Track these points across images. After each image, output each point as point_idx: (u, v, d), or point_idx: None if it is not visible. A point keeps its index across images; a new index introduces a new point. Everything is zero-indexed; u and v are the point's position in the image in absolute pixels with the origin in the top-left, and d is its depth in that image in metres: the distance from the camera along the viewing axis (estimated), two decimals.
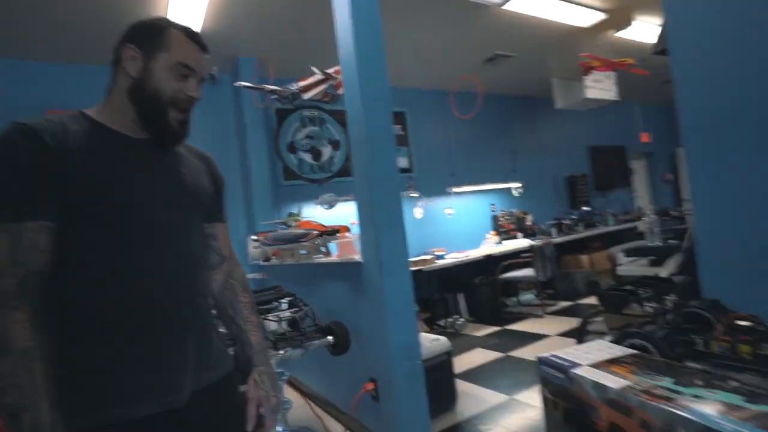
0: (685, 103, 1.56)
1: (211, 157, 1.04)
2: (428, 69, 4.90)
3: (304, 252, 3.36)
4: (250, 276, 3.56)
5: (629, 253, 3.82)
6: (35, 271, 0.73)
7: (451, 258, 4.75)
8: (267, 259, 3.70)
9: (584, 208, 6.47)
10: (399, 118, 5.17)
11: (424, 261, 4.41)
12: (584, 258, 5.60)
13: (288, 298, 2.39)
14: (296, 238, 2.85)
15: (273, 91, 3.09)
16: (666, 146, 8.15)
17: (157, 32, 0.85)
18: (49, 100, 3.35)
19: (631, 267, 3.36)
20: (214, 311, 1.01)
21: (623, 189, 7.53)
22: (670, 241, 3.40)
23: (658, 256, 2.92)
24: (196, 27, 3.23)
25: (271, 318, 2.28)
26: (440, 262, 4.51)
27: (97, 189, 0.77)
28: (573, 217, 6.21)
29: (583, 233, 5.86)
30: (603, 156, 7.30)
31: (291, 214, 3.46)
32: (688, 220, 4.23)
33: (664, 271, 2.57)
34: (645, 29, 4.42)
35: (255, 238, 3.63)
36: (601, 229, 6.06)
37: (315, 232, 2.75)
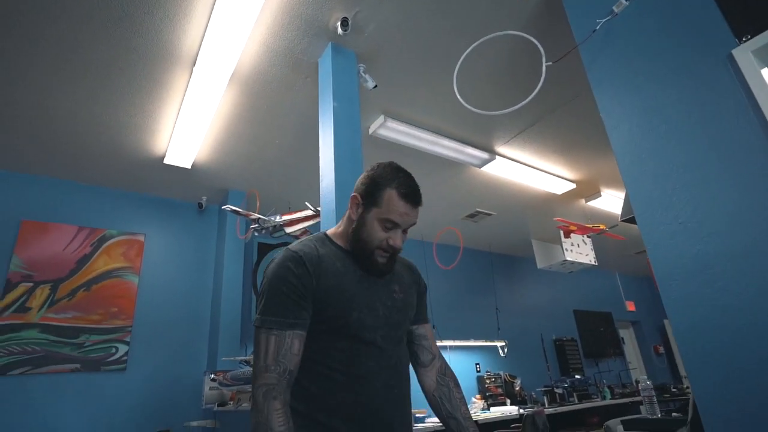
0: (661, 272, 1.62)
1: (414, 266, 1.25)
2: None
3: None
4: (196, 423, 3.16)
5: (628, 426, 3.50)
6: (290, 370, 0.95)
7: (431, 422, 4.28)
8: (222, 404, 3.33)
9: (577, 377, 6.13)
10: None
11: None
12: None
13: None
14: None
15: (257, 220, 3.21)
16: (653, 316, 8.18)
17: (376, 189, 1.05)
18: (24, 210, 3.45)
19: None
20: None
21: (615, 358, 7.28)
22: (674, 414, 3.15)
23: (662, 431, 2.66)
24: (189, 160, 3.52)
25: None
26: (419, 426, 4.04)
27: (339, 308, 1.00)
28: (565, 385, 5.83)
29: (578, 405, 5.43)
30: (589, 321, 7.25)
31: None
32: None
33: None
34: (612, 200, 4.87)
35: (213, 377, 3.32)
36: (597, 402, 5.63)
37: None
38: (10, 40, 2.34)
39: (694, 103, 1.57)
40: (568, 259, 5.16)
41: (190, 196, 4.21)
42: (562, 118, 3.41)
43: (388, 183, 1.05)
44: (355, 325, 1.01)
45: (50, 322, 3.27)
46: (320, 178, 2.46)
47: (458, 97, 2.21)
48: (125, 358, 3.46)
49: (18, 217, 3.42)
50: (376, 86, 2.68)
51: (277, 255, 1.06)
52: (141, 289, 3.73)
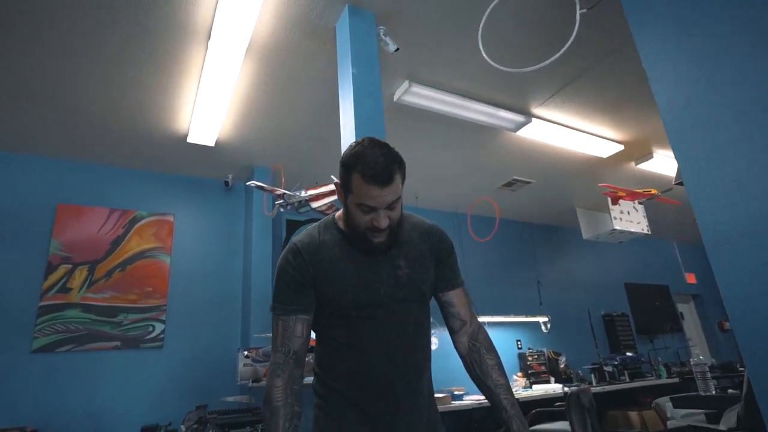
0: (711, 237, 1.57)
1: (434, 230, 1.26)
2: (443, 190, 5.18)
3: None
4: (231, 399, 3.38)
5: (678, 403, 3.44)
6: (294, 350, 1.12)
7: (471, 400, 4.37)
8: (257, 380, 3.52)
9: (628, 354, 6.03)
10: None
11: (437, 399, 4.07)
12: (634, 415, 5.02)
13: (262, 424, 2.22)
14: None
15: (282, 195, 3.31)
16: (717, 290, 7.84)
17: (346, 174, 1.09)
18: (59, 195, 3.72)
19: (683, 421, 3.00)
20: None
21: (673, 335, 7.08)
22: (729, 391, 3.08)
23: (712, 408, 2.62)
24: (212, 138, 3.66)
25: None
26: (457, 404, 4.14)
27: (336, 292, 1.13)
28: (615, 363, 5.76)
29: (629, 383, 5.35)
30: (643, 295, 7.07)
31: None
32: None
33: (722, 426, 2.28)
34: (666, 161, 4.66)
35: (246, 354, 3.51)
36: (651, 381, 5.52)
37: None
38: (28, 26, 2.48)
39: (753, 45, 1.48)
40: (617, 228, 5.02)
41: (216, 174, 4.37)
42: (604, 73, 3.27)
43: (353, 167, 1.07)
44: (350, 306, 1.13)
45: (90, 302, 3.56)
46: (341, 146, 2.50)
47: (484, 54, 2.17)
48: (162, 336, 3.72)
49: (54, 201, 3.68)
50: (398, 49, 2.66)
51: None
52: (173, 269, 3.97)
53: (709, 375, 3.35)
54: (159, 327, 3.73)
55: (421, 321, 1.20)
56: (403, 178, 1.12)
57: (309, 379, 1.25)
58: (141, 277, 3.79)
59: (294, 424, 1.09)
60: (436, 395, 4.06)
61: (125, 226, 3.87)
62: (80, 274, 3.58)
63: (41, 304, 3.40)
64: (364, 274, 1.14)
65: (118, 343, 3.56)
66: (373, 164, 1.04)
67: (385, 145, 1.10)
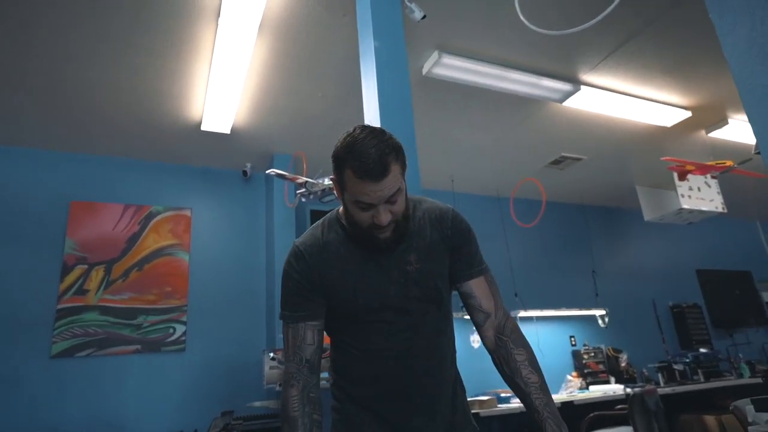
0: None
1: (445, 215, 1.24)
2: (482, 172, 5.12)
3: (325, 374, 3.26)
4: (259, 404, 3.49)
5: (761, 406, 3.32)
6: (306, 359, 1.16)
7: (518, 403, 4.34)
8: None
9: (702, 350, 5.84)
10: None
11: (482, 402, 4.08)
12: (710, 420, 4.87)
13: None
14: None
15: (304, 184, 3.35)
16: None
17: (338, 171, 1.08)
18: (72, 191, 3.89)
19: (767, 427, 2.90)
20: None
21: (757, 328, 6.80)
22: None
23: None
24: (228, 125, 3.72)
25: None
26: (503, 407, 4.14)
27: (343, 295, 1.17)
28: (687, 360, 5.59)
29: (704, 384, 5.18)
30: (719, 282, 6.81)
31: None
32: None
33: None
34: (744, 128, 4.43)
35: (273, 356, 3.60)
36: (731, 381, 5.33)
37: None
38: (28, 15, 2.58)
39: None
40: (686, 207, 4.84)
41: (234, 164, 4.46)
42: (665, 29, 3.12)
43: (344, 162, 1.06)
44: (360, 309, 1.17)
45: (108, 304, 3.73)
46: None
47: (522, 17, 2.11)
48: (183, 338, 3.87)
49: (67, 198, 3.86)
50: (424, 16, 2.62)
51: None
52: (192, 267, 4.10)
53: None
54: (180, 329, 3.88)
55: (439, 318, 1.22)
56: (404, 167, 1.10)
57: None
58: (159, 276, 3.94)
59: (315, 431, 1.14)
60: (480, 398, 4.09)
61: (141, 223, 4.02)
62: (97, 275, 3.75)
63: (59, 306, 3.59)
64: (373, 275, 1.16)
65: (139, 347, 3.72)
66: (364, 157, 1.02)
67: (380, 133, 1.07)
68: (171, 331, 3.84)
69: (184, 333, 3.88)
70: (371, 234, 1.11)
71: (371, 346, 1.18)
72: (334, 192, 3.37)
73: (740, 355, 6.01)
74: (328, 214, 1.26)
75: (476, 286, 1.23)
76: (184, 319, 3.91)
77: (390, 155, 1.04)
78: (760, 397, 3.52)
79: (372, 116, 2.47)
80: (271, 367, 3.62)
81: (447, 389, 1.22)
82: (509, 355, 1.18)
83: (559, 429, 1.09)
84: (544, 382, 1.16)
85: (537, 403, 1.12)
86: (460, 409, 1.25)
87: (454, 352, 1.29)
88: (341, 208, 1.20)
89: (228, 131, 3.84)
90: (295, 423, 1.11)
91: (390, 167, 1.04)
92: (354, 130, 1.08)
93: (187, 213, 4.23)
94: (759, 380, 5.32)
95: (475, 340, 4.66)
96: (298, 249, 1.20)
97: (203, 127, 3.74)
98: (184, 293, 3.98)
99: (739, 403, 3.71)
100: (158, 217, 4.10)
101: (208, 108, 3.48)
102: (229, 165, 4.49)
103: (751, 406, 3.37)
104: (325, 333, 1.24)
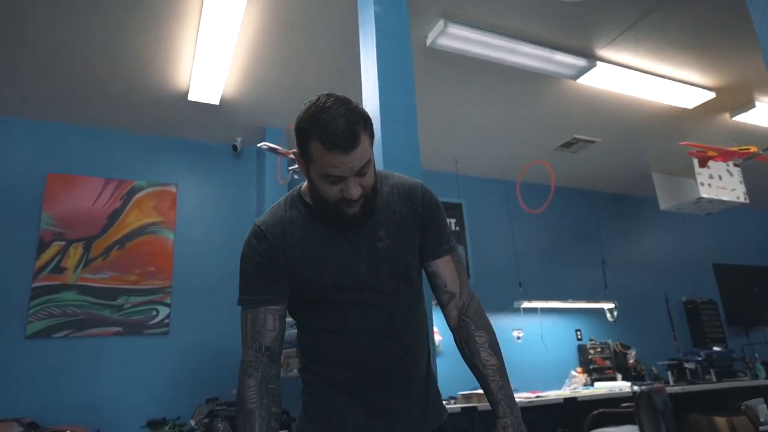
0: None
1: (415, 190, 1.25)
2: (487, 153, 5.11)
3: None
4: None
5: None
6: (266, 346, 1.15)
7: (520, 398, 4.39)
8: None
9: (716, 349, 5.89)
10: (454, 210, 5.29)
11: (479, 396, 4.12)
12: (721, 421, 4.93)
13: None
14: None
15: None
16: None
17: (303, 143, 1.08)
18: (48, 163, 3.88)
19: None
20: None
21: None
22: None
23: None
24: (216, 95, 3.70)
25: None
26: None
27: (311, 277, 1.16)
28: (699, 359, 5.64)
29: (717, 384, 5.23)
30: (736, 277, 6.84)
31: None
32: None
33: None
34: None
35: None
36: (745, 382, 5.37)
37: None
38: None
39: None
40: (705, 196, 4.83)
41: (223, 137, 4.44)
42: (690, 2, 3.09)
43: (310, 134, 1.05)
44: (330, 290, 1.16)
45: (88, 283, 3.75)
46: (363, 102, 2.49)
47: None
48: (167, 321, 3.90)
49: (43, 170, 3.85)
50: None
51: None
52: (177, 246, 4.12)
53: None
54: (163, 311, 3.91)
55: (410, 295, 1.23)
56: (372, 137, 1.11)
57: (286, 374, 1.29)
58: (142, 254, 3.95)
59: (272, 426, 1.13)
60: (478, 392, 4.14)
61: (122, 198, 4.02)
62: (75, 252, 3.76)
63: (34, 285, 3.61)
64: (341, 253, 1.16)
65: (120, 329, 3.75)
66: (332, 127, 1.02)
67: (345, 101, 1.07)
68: (154, 313, 3.87)
69: (168, 315, 3.91)
70: (339, 209, 1.11)
71: (347, 327, 1.17)
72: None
73: (756, 355, 6.05)
74: (289, 192, 1.25)
75: (443, 266, 1.26)
76: (168, 301, 3.94)
77: (359, 124, 1.04)
78: None
79: (370, 89, 2.46)
80: None
81: (422, 368, 1.25)
82: (470, 336, 1.22)
83: (512, 411, 1.14)
84: (503, 365, 1.20)
85: (492, 386, 1.17)
86: (434, 389, 1.29)
87: (427, 330, 1.32)
88: (303, 185, 1.22)
89: (217, 102, 3.82)
90: (252, 415, 1.11)
91: (360, 137, 1.04)
92: (318, 98, 1.07)
93: (173, 189, 4.23)
94: None
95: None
96: (259, 229, 1.18)
97: (190, 97, 3.72)
98: (168, 274, 3.99)
99: (752, 402, 3.77)
100: (141, 193, 4.10)
101: (196, 76, 3.46)
102: (218, 139, 4.48)
103: (764, 406, 3.42)
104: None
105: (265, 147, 3.44)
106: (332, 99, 1.06)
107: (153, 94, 3.72)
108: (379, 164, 2.26)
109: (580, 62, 3.55)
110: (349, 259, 1.16)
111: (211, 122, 4.19)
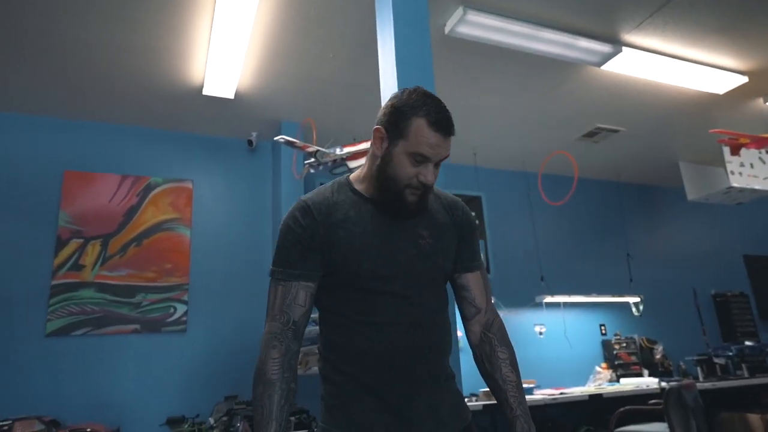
0: None
1: (458, 204, 1.35)
2: (510, 145, 5.02)
3: None
4: None
5: None
6: (294, 320, 1.15)
7: (543, 394, 4.33)
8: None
9: (748, 343, 5.76)
10: (473, 203, 5.22)
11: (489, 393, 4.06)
12: (755, 418, 4.82)
13: (295, 417, 2.28)
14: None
15: (314, 153, 3.30)
16: None
17: (401, 118, 1.14)
18: (65, 160, 3.90)
19: None
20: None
21: None
22: None
23: None
24: (231, 89, 3.67)
25: None
26: (527, 398, 4.11)
27: (349, 259, 1.16)
28: (729, 354, 5.52)
29: (748, 380, 5.11)
30: None
31: None
32: None
33: None
34: None
35: None
36: None
37: None
38: None
39: None
40: (735, 185, 4.71)
41: (238, 132, 4.42)
42: None
43: (415, 111, 1.12)
44: (366, 276, 1.16)
45: (106, 281, 3.76)
46: (381, 92, 2.44)
47: None
48: (185, 318, 3.89)
49: (60, 167, 3.86)
50: None
51: None
52: (194, 243, 4.11)
53: None
54: (181, 308, 3.90)
55: (439, 295, 1.27)
56: None
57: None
58: (159, 251, 3.95)
59: (289, 402, 1.12)
60: None
61: (139, 195, 4.01)
62: (93, 250, 3.77)
63: (53, 283, 3.62)
64: (383, 241, 1.18)
65: (137, 326, 3.75)
66: (440, 110, 1.13)
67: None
68: (171, 310, 3.87)
69: (186, 313, 3.90)
70: (402, 194, 1.16)
71: (377, 318, 1.16)
72: (347, 163, 3.33)
73: None
74: (336, 179, 1.28)
75: (473, 280, 1.31)
76: (185, 298, 3.93)
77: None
78: None
79: (388, 80, 2.40)
80: None
81: (447, 368, 1.26)
82: (493, 351, 1.27)
83: (530, 428, 1.19)
84: (521, 382, 1.26)
85: (512, 401, 1.21)
86: (457, 390, 1.29)
87: (451, 333, 1.34)
88: (353, 175, 1.27)
89: (232, 96, 3.79)
90: (273, 386, 1.10)
91: (454, 129, 1.16)
92: (417, 89, 1.17)
93: (189, 185, 4.21)
94: None
95: None
96: (305, 204, 1.20)
97: (205, 92, 3.69)
98: (185, 271, 3.99)
99: None
100: (157, 189, 4.09)
101: (210, 70, 3.42)
102: (233, 133, 4.45)
103: None
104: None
105: (282, 140, 3.40)
106: (430, 93, 1.17)
107: (168, 89, 3.70)
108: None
109: (605, 48, 3.43)
110: (390, 248, 1.18)
111: (226, 117, 4.16)
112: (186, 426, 2.99)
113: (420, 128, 1.11)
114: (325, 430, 1.19)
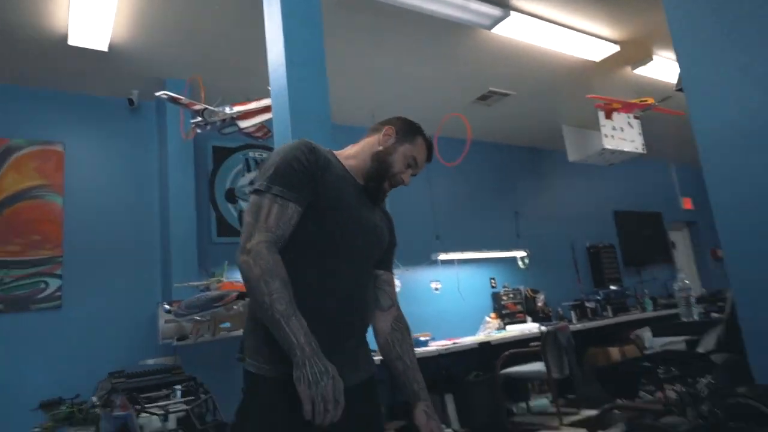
0: (705, 139, 1.55)
1: (390, 217, 1.55)
2: (407, 106, 4.96)
3: (226, 324, 3.14)
4: (152, 361, 3.33)
5: (658, 332, 3.68)
6: (285, 237, 1.22)
7: (437, 345, 4.50)
8: (182, 338, 3.47)
9: (612, 288, 6.37)
10: None
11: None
12: (614, 351, 5.38)
13: (183, 385, 2.18)
14: (210, 303, 2.66)
15: (202, 112, 3.07)
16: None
17: (411, 131, 1.44)
18: None
19: (661, 350, 3.20)
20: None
21: (662, 266, 7.48)
22: (713, 314, 3.29)
23: (695, 334, 2.79)
24: (104, 40, 3.33)
25: (153, 410, 2.04)
26: (422, 350, 4.26)
27: (332, 202, 1.29)
28: (598, 298, 6.07)
29: (611, 319, 5.68)
30: (633, 224, 7.34)
31: (214, 274, 3.29)
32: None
33: (700, 348, 2.44)
34: (667, 65, 4.61)
35: (168, 308, 3.42)
36: (635, 315, 5.88)
37: (235, 293, 2.57)
38: None
39: None
40: (608, 147, 5.04)
41: (117, 90, 4.03)
42: None
43: (421, 132, 1.46)
44: (343, 240, 1.30)
45: None
46: (267, 50, 2.29)
47: None
48: (59, 293, 3.55)
49: None
50: None
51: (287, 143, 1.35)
52: (68, 211, 3.73)
53: (693, 300, 3.57)
54: (54, 283, 3.56)
55: (371, 276, 1.44)
56: None
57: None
58: (24, 222, 3.54)
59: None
60: None
61: None
62: None
63: None
64: (358, 210, 1.35)
65: (1, 306, 3.37)
66: (430, 143, 1.47)
67: None
68: (42, 286, 3.51)
69: (60, 288, 3.56)
70: (383, 180, 1.39)
71: (333, 281, 1.28)
72: (237, 122, 3.14)
73: (646, 291, 6.62)
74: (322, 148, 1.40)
75: (391, 279, 1.52)
76: (59, 272, 3.58)
77: None
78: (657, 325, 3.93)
79: (275, 38, 2.27)
80: (167, 321, 3.46)
81: (368, 326, 1.42)
82: (403, 337, 1.47)
83: (427, 397, 1.42)
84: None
85: (415, 378, 1.43)
86: (367, 345, 1.44)
87: None
88: (337, 152, 1.44)
89: (105, 48, 3.41)
90: (288, 286, 1.14)
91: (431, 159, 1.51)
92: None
93: (58, 148, 3.78)
94: (660, 313, 5.92)
95: (396, 283, 4.70)
96: (312, 145, 1.31)
97: (70, 42, 3.27)
98: (57, 242, 3.62)
99: (639, 331, 4.12)
100: (19, 153, 3.63)
101: (74, 16, 3.02)
102: (111, 92, 4.05)
103: (649, 334, 3.74)
104: None
105: (165, 96, 3.14)
106: None
107: (26, 37, 3.24)
108: (286, 113, 2.12)
109: (495, 11, 3.48)
110: (361, 220, 1.35)
111: (101, 72, 3.76)
112: (64, 407, 2.74)
113: (421, 144, 1.44)
114: (258, 368, 1.22)
